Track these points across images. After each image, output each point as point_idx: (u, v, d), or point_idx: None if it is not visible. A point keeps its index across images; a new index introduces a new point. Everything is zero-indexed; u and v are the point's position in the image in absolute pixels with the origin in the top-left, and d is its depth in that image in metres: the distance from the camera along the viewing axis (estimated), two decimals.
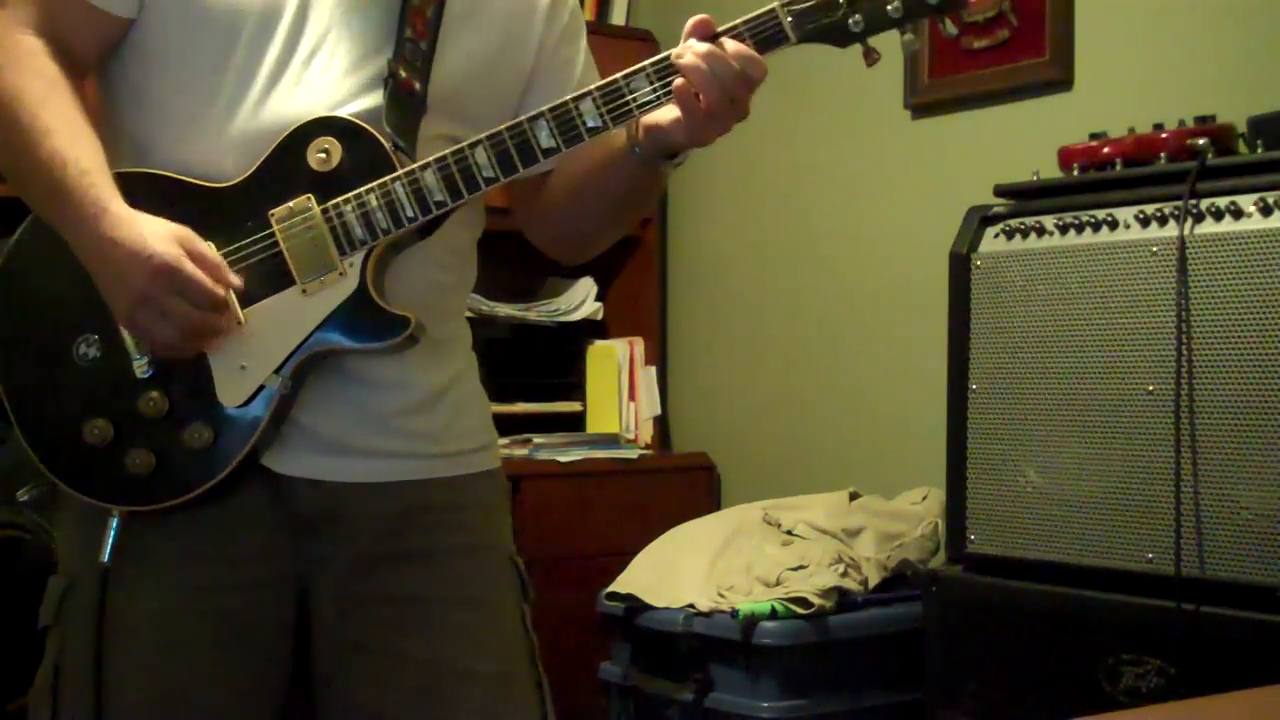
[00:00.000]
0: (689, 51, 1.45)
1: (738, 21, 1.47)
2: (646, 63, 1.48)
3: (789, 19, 1.45)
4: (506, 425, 3.63)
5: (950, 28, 1.48)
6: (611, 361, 3.83)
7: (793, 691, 2.68)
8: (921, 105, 3.30)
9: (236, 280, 1.49)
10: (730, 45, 1.45)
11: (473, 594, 1.61)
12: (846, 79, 3.28)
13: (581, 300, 3.88)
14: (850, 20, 1.45)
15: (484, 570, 1.63)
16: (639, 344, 3.86)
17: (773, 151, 3.68)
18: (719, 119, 1.47)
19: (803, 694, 2.68)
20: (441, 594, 1.59)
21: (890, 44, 1.50)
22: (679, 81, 1.45)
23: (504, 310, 3.73)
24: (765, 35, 1.46)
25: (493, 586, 1.64)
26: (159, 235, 1.45)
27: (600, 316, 3.90)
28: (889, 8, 1.45)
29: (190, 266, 1.44)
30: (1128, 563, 2.26)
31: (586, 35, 1.74)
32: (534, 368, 3.82)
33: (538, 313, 3.81)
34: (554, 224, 1.72)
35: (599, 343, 3.88)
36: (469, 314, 3.59)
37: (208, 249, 1.48)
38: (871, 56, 1.48)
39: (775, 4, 1.46)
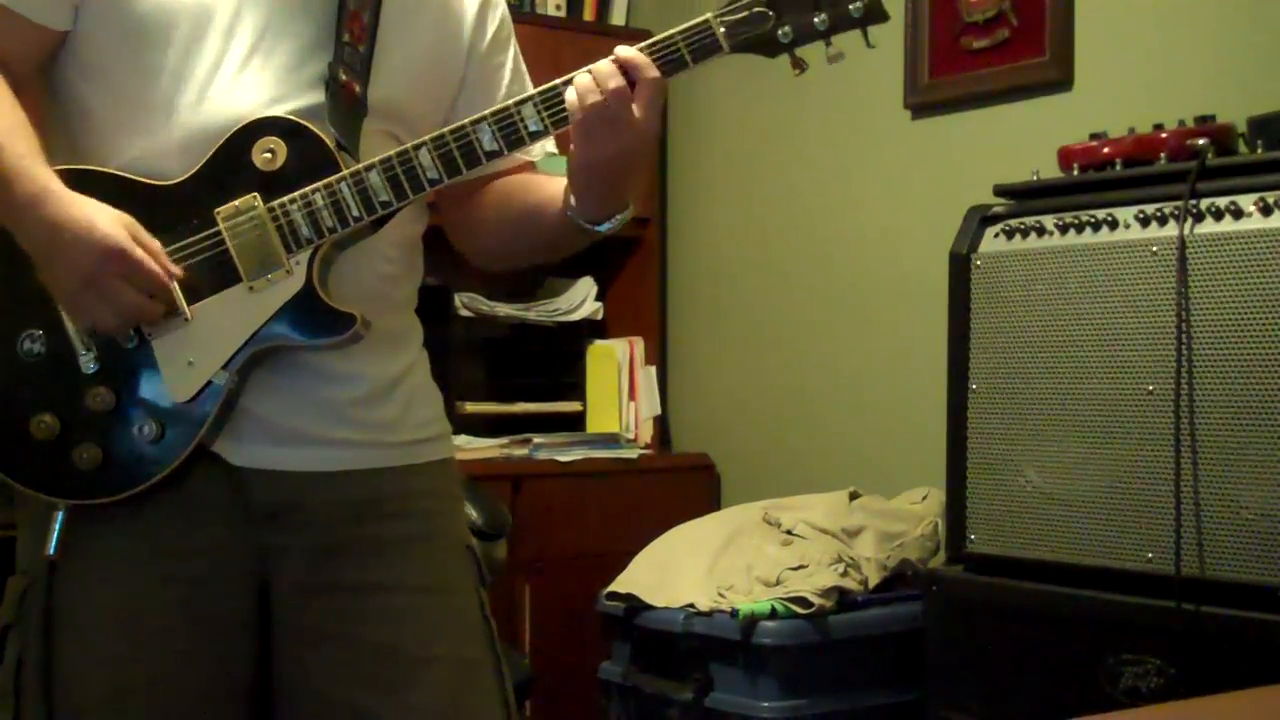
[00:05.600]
0: (576, 76, 1.49)
1: (673, 31, 1.50)
2: (581, 70, 1.51)
3: (722, 29, 1.50)
4: (506, 425, 3.63)
5: (874, 40, 1.52)
6: (611, 361, 3.83)
7: (793, 691, 2.67)
8: (921, 105, 3.30)
9: (178, 270, 1.50)
10: (623, 53, 1.49)
11: (428, 581, 1.62)
12: (846, 79, 3.27)
13: (581, 300, 3.88)
14: (779, 32, 1.51)
15: (439, 557, 1.65)
16: (639, 344, 3.86)
17: (773, 151, 3.68)
18: (599, 137, 1.49)
19: (803, 694, 2.68)
20: (398, 581, 1.60)
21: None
22: (568, 98, 1.50)
23: (504, 310, 3.73)
24: (699, 45, 1.50)
25: (448, 573, 1.66)
26: (107, 218, 1.46)
27: (600, 316, 3.90)
28: (815, 20, 1.50)
29: (139, 252, 1.46)
30: (1128, 563, 2.26)
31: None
32: (534, 368, 3.83)
33: (538, 313, 3.81)
34: (478, 240, 1.76)
35: (599, 343, 3.88)
36: (468, 313, 3.64)
37: (150, 237, 1.49)
38: (800, 66, 1.53)
39: (709, 15, 1.50)
